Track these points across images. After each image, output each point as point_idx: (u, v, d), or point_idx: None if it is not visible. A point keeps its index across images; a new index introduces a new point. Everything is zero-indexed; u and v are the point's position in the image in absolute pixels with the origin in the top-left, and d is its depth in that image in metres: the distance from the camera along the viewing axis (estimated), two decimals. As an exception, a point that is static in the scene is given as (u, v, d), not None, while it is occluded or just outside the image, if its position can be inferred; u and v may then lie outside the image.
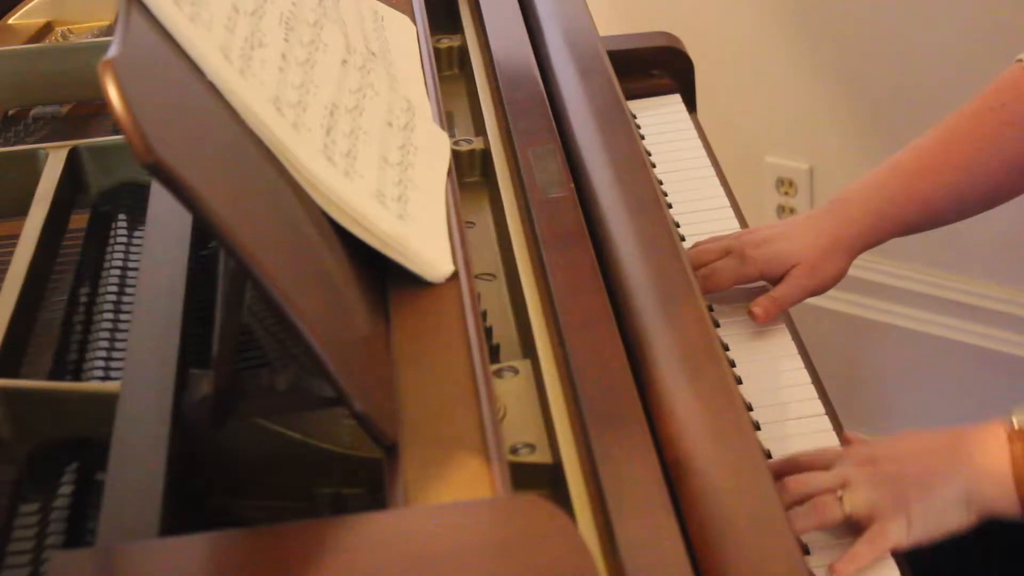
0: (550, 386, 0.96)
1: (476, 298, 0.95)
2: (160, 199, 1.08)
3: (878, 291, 2.20)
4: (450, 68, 1.39)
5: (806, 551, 1.03)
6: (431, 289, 0.94)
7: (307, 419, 0.92)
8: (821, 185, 2.22)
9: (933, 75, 2.04)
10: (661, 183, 1.40)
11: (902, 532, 1.03)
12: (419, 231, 0.95)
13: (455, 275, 0.95)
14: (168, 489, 0.82)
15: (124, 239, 1.14)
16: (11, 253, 1.07)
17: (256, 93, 0.89)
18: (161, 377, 0.90)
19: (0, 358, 0.97)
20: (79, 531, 0.88)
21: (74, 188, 1.19)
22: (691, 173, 1.49)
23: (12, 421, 0.93)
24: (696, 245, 1.32)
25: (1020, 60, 1.30)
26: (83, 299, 1.10)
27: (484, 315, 1.06)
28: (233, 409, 0.86)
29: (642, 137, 1.50)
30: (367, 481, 0.90)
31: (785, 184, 2.25)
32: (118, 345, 1.03)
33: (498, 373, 0.99)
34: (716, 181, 1.47)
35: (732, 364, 1.20)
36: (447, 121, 1.19)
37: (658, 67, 1.62)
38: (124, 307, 1.07)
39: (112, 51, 0.73)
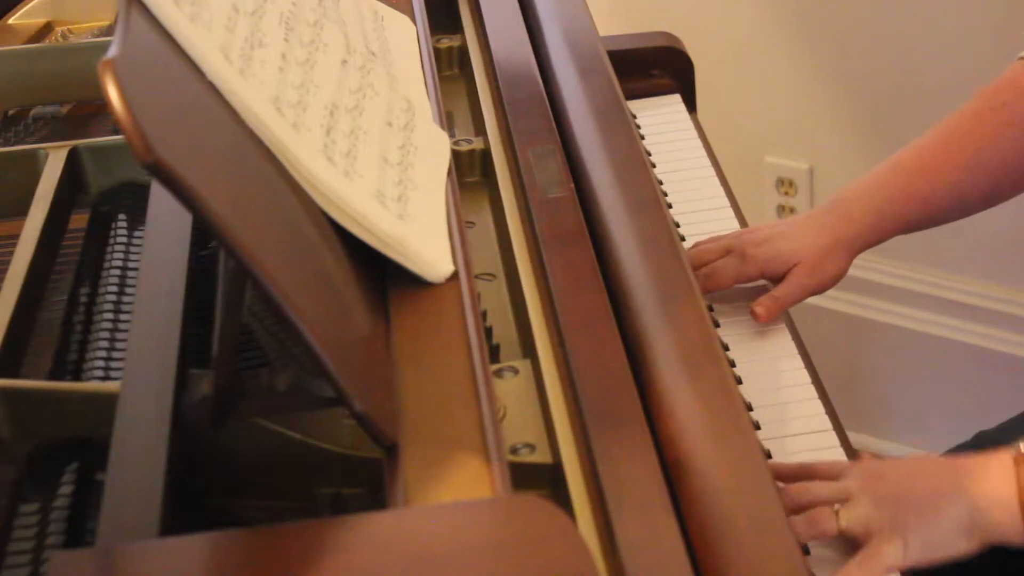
0: (550, 386, 0.96)
1: (476, 298, 0.95)
2: (160, 199, 1.08)
3: (878, 291, 2.20)
4: (450, 68, 1.39)
5: (806, 551, 1.03)
6: (431, 289, 0.94)
7: (307, 419, 0.92)
8: (821, 185, 2.22)
9: (933, 75, 2.04)
10: (661, 183, 1.40)
11: (898, 554, 1.01)
12: (419, 231, 0.95)
13: (455, 275, 0.95)
14: (168, 489, 0.82)
15: (124, 239, 1.14)
16: (11, 253, 1.07)
17: (256, 93, 0.89)
18: (161, 377, 0.90)
19: (0, 358, 0.97)
20: (79, 531, 0.88)
21: (74, 188, 1.19)
22: (691, 173, 1.49)
23: (12, 421, 0.93)
24: (696, 245, 1.32)
25: (1022, 58, 1.30)
26: (83, 299, 1.10)
27: (484, 315, 1.06)
28: (233, 409, 0.86)
29: (642, 137, 1.50)
30: (367, 481, 0.90)
31: (785, 184, 2.25)
32: (118, 345, 1.03)
33: (498, 373, 0.99)
34: (716, 181, 1.47)
35: (732, 364, 1.20)
36: (447, 121, 1.19)
37: (658, 67, 1.62)
38: (124, 307, 1.07)
39: (112, 51, 0.73)
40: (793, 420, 1.17)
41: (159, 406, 0.87)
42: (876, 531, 1.02)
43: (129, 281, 1.09)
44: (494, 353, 1.03)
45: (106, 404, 0.89)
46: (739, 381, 1.18)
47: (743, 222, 1.41)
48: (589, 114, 1.27)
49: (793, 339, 1.27)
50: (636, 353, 1.01)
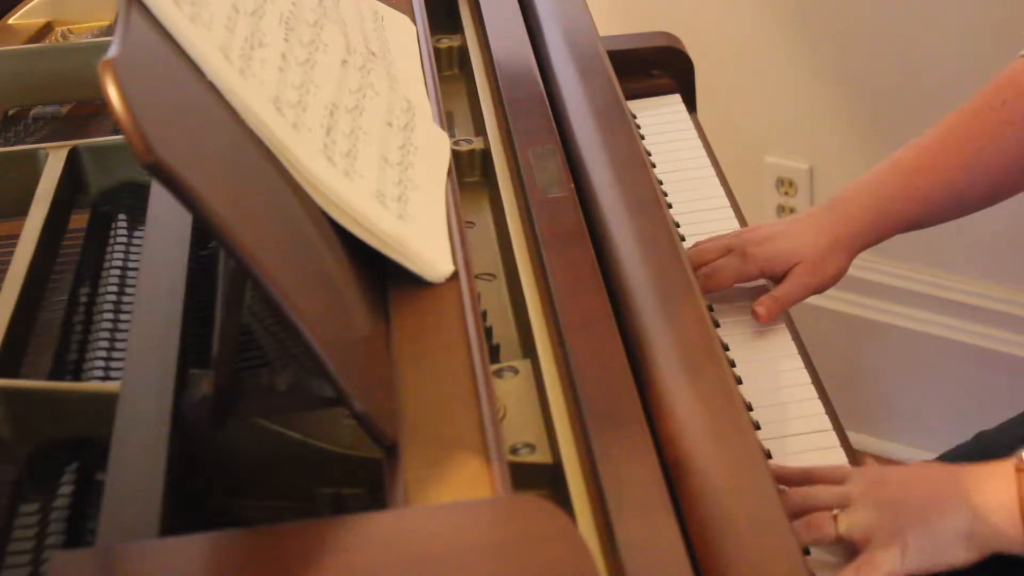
0: (550, 386, 0.96)
1: (476, 298, 0.95)
2: (160, 199, 1.08)
3: (878, 291, 2.20)
4: (450, 68, 1.39)
5: (806, 551, 1.03)
6: (431, 289, 0.94)
7: (307, 419, 0.92)
8: (821, 185, 2.22)
9: (933, 75, 2.04)
10: (661, 183, 1.40)
11: (895, 560, 1.01)
12: (419, 231, 0.95)
13: (455, 275, 0.95)
14: (168, 489, 0.82)
15: (124, 239, 1.14)
16: (11, 253, 1.07)
17: (256, 93, 0.89)
18: (161, 377, 0.90)
19: (0, 358, 0.97)
20: (79, 531, 0.88)
21: (74, 188, 1.19)
22: (691, 173, 1.49)
23: (12, 421, 0.93)
24: (696, 244, 1.32)
25: (1023, 56, 1.30)
26: (83, 299, 1.10)
27: (484, 315, 1.06)
28: (233, 409, 0.86)
29: (642, 137, 1.50)
30: (367, 481, 0.90)
31: (785, 184, 2.25)
32: (118, 345, 1.03)
33: (498, 373, 0.99)
34: (716, 181, 1.47)
35: (732, 364, 1.20)
36: (447, 121, 1.19)
37: (658, 67, 1.62)
38: (124, 307, 1.07)
39: (112, 51, 0.73)
40: (793, 420, 1.17)
41: (159, 406, 0.87)
42: (874, 537, 1.02)
43: (129, 281, 1.09)
44: (494, 353, 1.03)
45: (106, 404, 0.89)
46: (739, 381, 1.18)
47: (743, 222, 1.41)
48: (589, 114, 1.27)
49: (793, 339, 1.27)
50: (636, 353, 1.01)
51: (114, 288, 1.08)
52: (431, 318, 0.92)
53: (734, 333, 1.26)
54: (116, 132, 1.25)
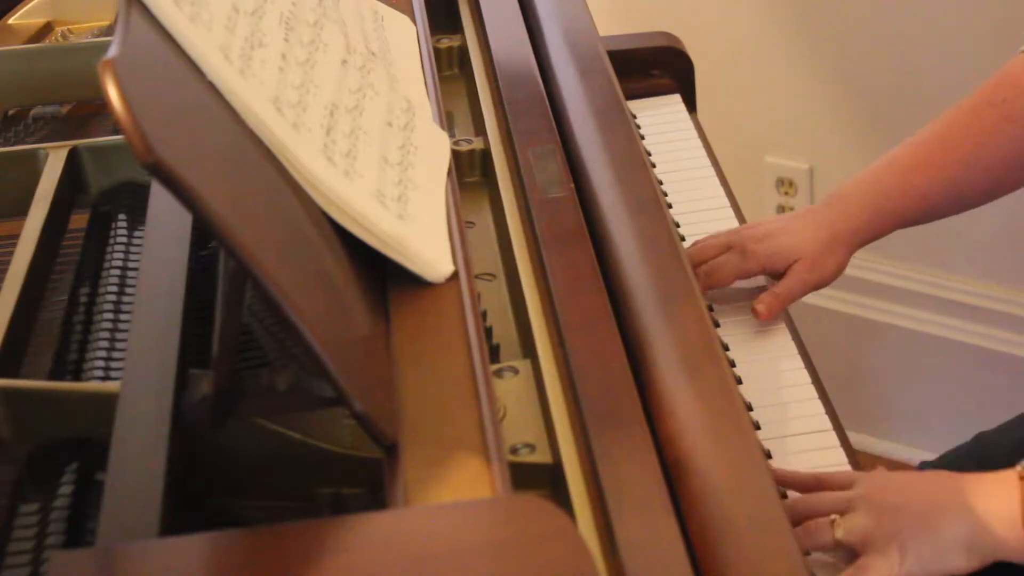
0: (550, 386, 0.96)
1: (476, 298, 0.95)
2: (160, 199, 1.08)
3: (878, 291, 2.20)
4: (450, 68, 1.39)
5: (806, 551, 1.03)
6: (431, 289, 0.94)
7: (307, 419, 0.92)
8: (821, 185, 2.22)
9: (933, 75, 2.04)
10: (661, 183, 1.40)
11: (891, 567, 1.00)
12: (419, 231, 0.95)
13: (455, 275, 0.95)
14: (168, 489, 0.82)
15: (124, 239, 1.14)
16: (11, 253, 1.07)
17: (256, 93, 0.89)
18: (161, 377, 0.90)
19: (0, 358, 0.97)
20: (79, 531, 0.88)
21: (74, 188, 1.19)
22: (691, 173, 1.49)
23: (12, 421, 0.93)
24: (696, 242, 1.32)
25: (1023, 52, 1.30)
26: (83, 299, 1.10)
27: (484, 315, 1.06)
28: (233, 409, 0.86)
29: (642, 137, 1.50)
30: (367, 481, 0.90)
31: (785, 184, 2.25)
32: (118, 345, 1.03)
33: (498, 373, 0.99)
34: (716, 181, 1.47)
35: (732, 364, 1.20)
36: (447, 121, 1.19)
37: (658, 67, 1.62)
38: (124, 307, 1.07)
39: (112, 51, 0.73)
40: (793, 420, 1.17)
41: (159, 406, 0.87)
42: (872, 542, 1.02)
43: (129, 281, 1.09)
44: (494, 353, 1.03)
45: (106, 404, 0.89)
46: (739, 381, 1.18)
47: (743, 222, 1.41)
48: (589, 114, 1.27)
49: (793, 339, 1.27)
50: (636, 353, 1.01)
51: (114, 288, 1.08)
52: (431, 318, 0.92)
53: (734, 333, 1.26)
54: (116, 132, 1.25)
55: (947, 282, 2.16)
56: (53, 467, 0.92)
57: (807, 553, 1.03)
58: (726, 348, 1.20)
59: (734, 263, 1.28)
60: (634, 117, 1.42)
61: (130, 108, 0.69)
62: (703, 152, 1.52)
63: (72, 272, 1.13)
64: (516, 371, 0.99)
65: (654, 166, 1.45)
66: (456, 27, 1.43)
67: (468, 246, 0.99)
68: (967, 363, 2.16)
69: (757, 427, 1.13)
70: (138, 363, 0.92)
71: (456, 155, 1.17)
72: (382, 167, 0.97)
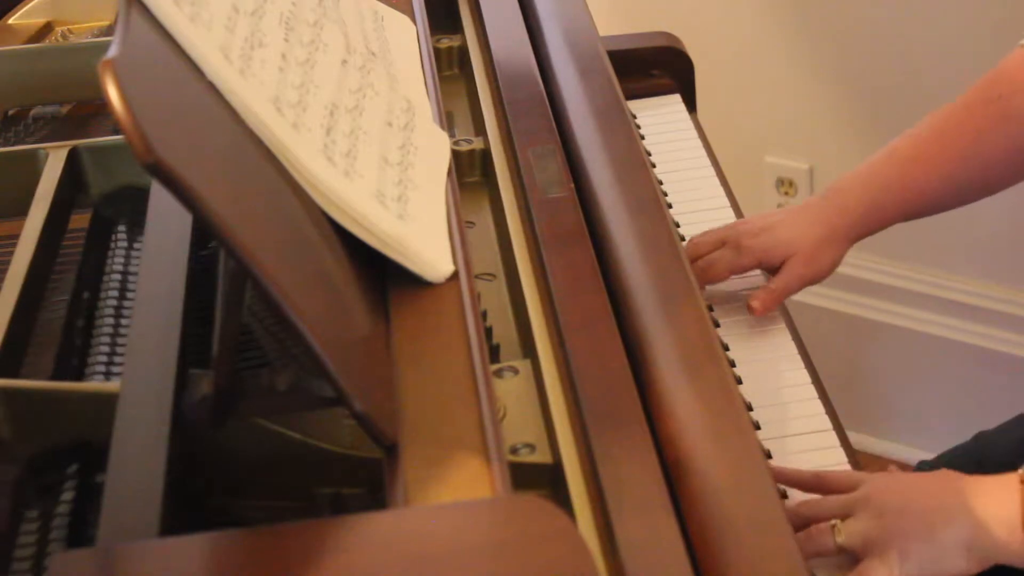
0: (550, 386, 0.96)
1: (476, 298, 0.95)
2: (160, 199, 1.08)
3: (878, 291, 2.20)
4: (450, 68, 1.39)
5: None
6: (431, 289, 0.94)
7: (307, 419, 0.92)
8: (821, 185, 2.22)
9: (933, 75, 2.04)
10: (661, 183, 1.40)
11: (891, 570, 1.00)
12: (419, 231, 0.95)
13: (455, 275, 0.95)
14: (168, 489, 0.82)
15: (125, 244, 1.15)
16: (11, 253, 1.07)
17: (256, 93, 0.89)
18: (161, 377, 0.90)
19: (0, 358, 0.97)
20: (79, 532, 0.88)
21: (74, 188, 1.19)
22: (691, 173, 1.49)
23: (12, 421, 0.93)
24: (691, 238, 1.32)
25: (1023, 45, 1.29)
26: (84, 302, 1.10)
27: (484, 315, 1.06)
28: (233, 409, 0.86)
29: (642, 137, 1.50)
30: (367, 481, 0.90)
31: (785, 184, 2.25)
32: (119, 350, 1.03)
33: (498, 373, 0.99)
34: (716, 181, 1.48)
35: (732, 364, 1.20)
36: (447, 121, 1.19)
37: (658, 67, 1.62)
38: (125, 312, 1.07)
39: (112, 51, 0.73)
40: (793, 420, 1.17)
41: (159, 406, 0.87)
42: (872, 546, 1.01)
43: (130, 286, 1.09)
44: (494, 353, 1.03)
45: (106, 404, 0.89)
46: (739, 381, 1.18)
47: (743, 222, 1.41)
48: (589, 114, 1.27)
49: (793, 339, 1.27)
50: (636, 353, 1.01)
51: (115, 293, 1.08)
52: (431, 318, 0.92)
53: (734, 333, 1.26)
54: (116, 132, 1.25)
55: (947, 282, 2.16)
56: (55, 472, 0.92)
57: (807, 553, 1.03)
58: (726, 348, 1.20)
59: (728, 258, 1.28)
60: (634, 117, 1.42)
61: (130, 108, 0.69)
62: (703, 152, 1.52)
63: (73, 272, 1.13)
64: (516, 371, 0.99)
65: (654, 166, 1.45)
66: (456, 27, 1.43)
67: (468, 246, 0.99)
68: (967, 363, 2.16)
69: (757, 427, 1.13)
70: (138, 363, 0.92)
71: (456, 155, 1.17)
72: (382, 167, 0.97)
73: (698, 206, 1.43)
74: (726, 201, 1.44)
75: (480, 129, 1.26)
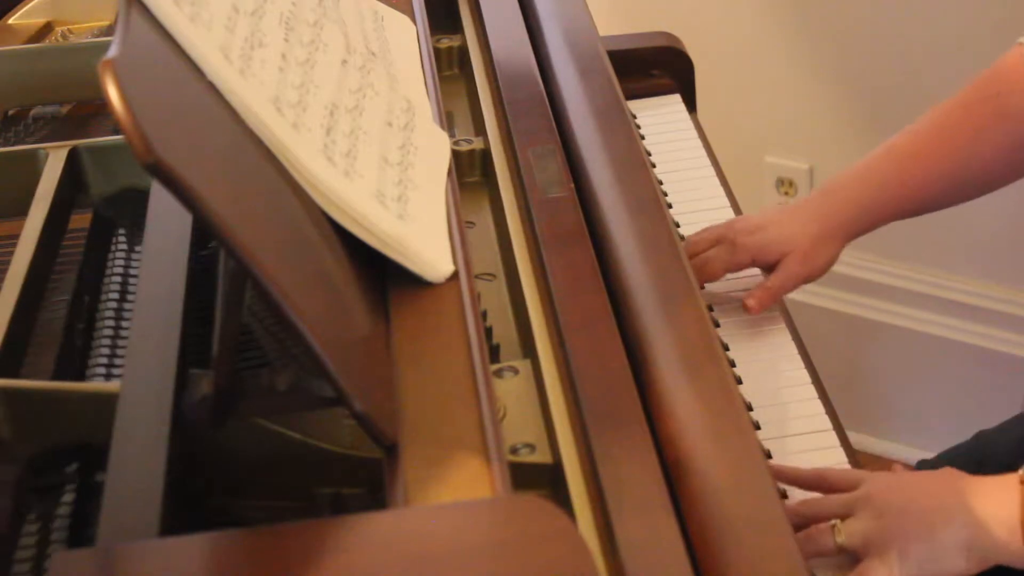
0: (550, 386, 0.96)
1: (476, 298, 0.95)
2: (160, 199, 1.08)
3: (878, 291, 2.20)
4: (450, 68, 1.39)
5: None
6: (431, 289, 0.94)
7: (307, 419, 0.92)
8: (821, 185, 2.22)
9: (933, 75, 2.04)
10: (661, 183, 1.40)
11: (890, 570, 1.00)
12: (419, 231, 0.95)
13: (455, 275, 0.95)
14: (168, 489, 0.82)
15: (125, 247, 1.15)
16: (11, 253, 1.07)
17: (256, 93, 0.89)
18: (161, 377, 0.90)
19: (0, 358, 0.97)
20: (80, 531, 0.88)
21: (74, 188, 1.19)
22: (691, 173, 1.49)
23: (12, 421, 0.93)
24: (688, 237, 1.32)
25: (1021, 43, 1.29)
26: (85, 303, 1.10)
27: (484, 315, 1.06)
28: (233, 409, 0.86)
29: (642, 137, 1.50)
30: (367, 481, 0.90)
31: (785, 184, 2.25)
32: (119, 352, 1.03)
33: (498, 373, 0.99)
34: (716, 181, 1.48)
35: (732, 364, 1.20)
36: (447, 121, 1.19)
37: (658, 67, 1.62)
38: (125, 312, 1.07)
39: (112, 51, 0.73)
40: (793, 420, 1.17)
41: (159, 406, 0.87)
42: (872, 546, 1.01)
43: (130, 288, 1.10)
44: (494, 353, 1.03)
45: (106, 404, 0.89)
46: (739, 381, 1.18)
47: (743, 222, 1.41)
48: (589, 114, 1.27)
49: (793, 339, 1.27)
50: (636, 353, 1.01)
51: (115, 295, 1.08)
52: (431, 318, 0.92)
53: (734, 333, 1.26)
54: (116, 132, 1.25)
55: (947, 282, 2.16)
56: (54, 474, 0.92)
57: (807, 553, 1.03)
58: (726, 348, 1.20)
59: (723, 256, 1.28)
60: (634, 117, 1.42)
61: (130, 108, 0.69)
62: (703, 152, 1.52)
63: (73, 273, 1.13)
64: (516, 371, 0.99)
65: (654, 166, 1.45)
66: (456, 27, 1.43)
67: (468, 246, 0.99)
68: (967, 363, 2.17)
69: (757, 427, 1.13)
70: (138, 363, 0.92)
71: (456, 155, 1.17)
72: (382, 167, 0.97)
73: (698, 206, 1.43)
74: (726, 201, 1.44)
75: (480, 129, 1.26)
